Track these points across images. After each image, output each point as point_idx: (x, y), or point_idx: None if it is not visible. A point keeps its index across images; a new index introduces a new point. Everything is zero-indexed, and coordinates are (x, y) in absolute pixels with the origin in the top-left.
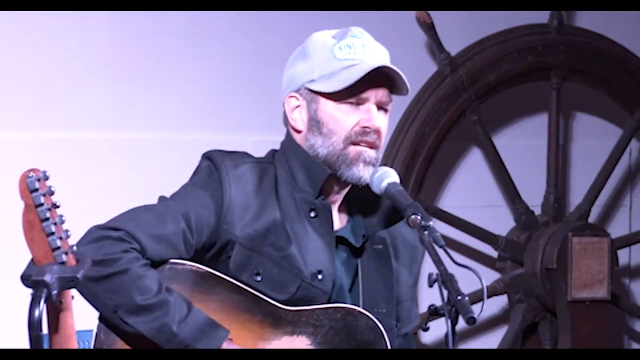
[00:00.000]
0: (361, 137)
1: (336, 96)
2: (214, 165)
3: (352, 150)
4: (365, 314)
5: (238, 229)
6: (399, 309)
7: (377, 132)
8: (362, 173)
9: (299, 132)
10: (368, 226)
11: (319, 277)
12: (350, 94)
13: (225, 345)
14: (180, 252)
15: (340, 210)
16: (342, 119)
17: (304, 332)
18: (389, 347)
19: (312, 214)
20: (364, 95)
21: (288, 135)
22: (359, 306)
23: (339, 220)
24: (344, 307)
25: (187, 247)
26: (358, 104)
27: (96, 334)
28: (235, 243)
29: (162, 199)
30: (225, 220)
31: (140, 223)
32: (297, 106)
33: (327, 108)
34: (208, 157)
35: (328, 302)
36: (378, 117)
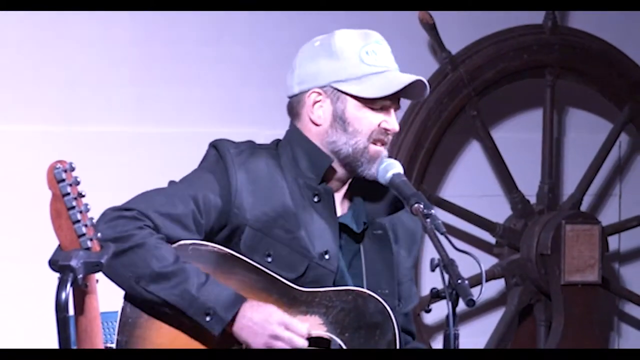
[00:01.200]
0: (381, 136)
1: (365, 100)
2: (219, 153)
3: (372, 149)
4: (374, 297)
5: (248, 212)
6: (400, 289)
7: (394, 133)
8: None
9: (317, 125)
10: (369, 213)
11: (326, 257)
12: (378, 99)
13: (246, 307)
14: (191, 232)
15: (342, 197)
16: (367, 120)
17: (316, 312)
18: (396, 328)
19: (316, 199)
20: (389, 101)
21: (292, 125)
22: (361, 288)
23: (340, 207)
24: (355, 290)
25: (197, 227)
26: (382, 108)
27: (122, 308)
28: (245, 226)
29: (171, 183)
30: (235, 204)
31: (151, 203)
32: (319, 101)
33: (354, 109)
34: (214, 145)
35: (333, 282)
36: (396, 121)
